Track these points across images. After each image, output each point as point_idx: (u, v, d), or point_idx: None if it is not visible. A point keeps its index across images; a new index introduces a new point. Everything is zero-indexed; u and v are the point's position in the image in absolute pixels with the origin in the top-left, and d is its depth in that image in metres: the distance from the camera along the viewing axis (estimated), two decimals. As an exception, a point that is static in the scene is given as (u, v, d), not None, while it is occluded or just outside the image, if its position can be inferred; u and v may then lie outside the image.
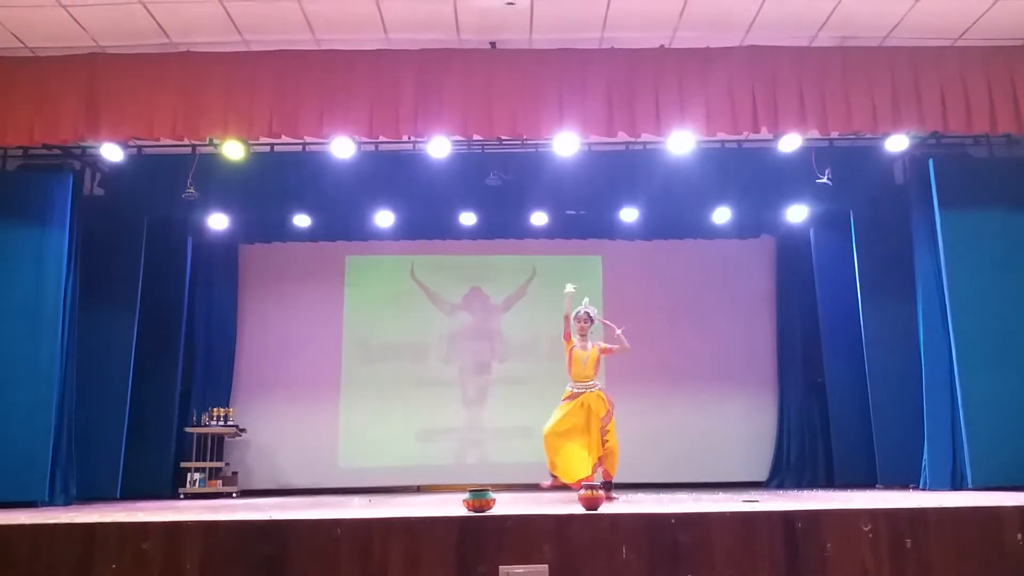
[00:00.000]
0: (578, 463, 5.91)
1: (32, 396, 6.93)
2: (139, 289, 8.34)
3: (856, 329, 8.41)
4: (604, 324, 6.41)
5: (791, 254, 9.83)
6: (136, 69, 6.44)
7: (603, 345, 6.31)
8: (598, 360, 6.23)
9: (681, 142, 6.98)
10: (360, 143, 7.62)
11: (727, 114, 6.42)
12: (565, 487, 5.97)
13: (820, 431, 9.30)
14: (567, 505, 4.41)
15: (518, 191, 8.37)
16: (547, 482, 6.15)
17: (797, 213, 8.82)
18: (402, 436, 9.67)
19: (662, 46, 6.68)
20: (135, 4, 6.10)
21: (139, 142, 7.68)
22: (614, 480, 6.20)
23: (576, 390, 6.13)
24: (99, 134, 6.50)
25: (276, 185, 8.34)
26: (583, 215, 9.29)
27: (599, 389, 6.17)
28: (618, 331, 6.30)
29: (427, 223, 9.47)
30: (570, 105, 6.41)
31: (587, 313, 6.28)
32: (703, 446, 9.59)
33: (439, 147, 7.23)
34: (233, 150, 7.24)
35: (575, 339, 6.25)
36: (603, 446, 6.04)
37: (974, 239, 7.24)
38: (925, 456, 7.28)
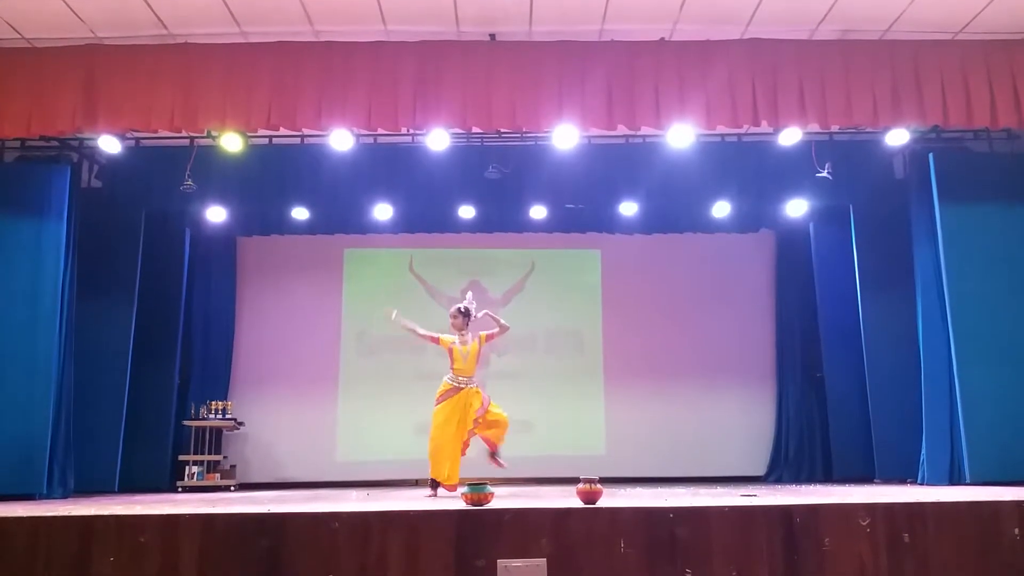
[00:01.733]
0: (453, 471, 6.03)
1: (30, 389, 6.93)
2: (137, 282, 8.32)
3: (855, 324, 8.41)
4: (488, 316, 6.42)
5: (790, 248, 9.82)
6: (134, 61, 6.41)
7: (483, 333, 6.35)
8: (479, 352, 6.29)
9: (681, 135, 6.96)
10: (359, 135, 7.59)
11: (727, 107, 6.40)
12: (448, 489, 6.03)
13: (818, 426, 9.31)
14: (565, 499, 4.41)
15: (517, 184, 8.36)
16: (429, 492, 6.10)
17: (797, 207, 8.81)
18: (400, 430, 9.64)
19: (662, 39, 6.66)
20: (132, -5, 6.08)
21: (137, 134, 7.66)
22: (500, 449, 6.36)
23: (455, 384, 6.19)
24: (97, 126, 6.47)
25: (274, 178, 8.32)
26: (582, 209, 9.26)
27: (477, 386, 6.24)
28: (482, 313, 6.39)
29: (426, 216, 9.46)
30: (569, 98, 6.39)
31: (457, 308, 6.32)
32: (701, 440, 9.60)
33: (438, 140, 7.22)
34: (231, 142, 7.22)
35: (453, 336, 6.29)
36: (476, 429, 6.15)
37: (974, 234, 7.23)
38: (923, 451, 7.28)
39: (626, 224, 9.47)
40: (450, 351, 6.25)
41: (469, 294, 6.56)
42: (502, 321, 6.39)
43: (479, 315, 6.37)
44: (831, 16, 6.49)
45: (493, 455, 6.30)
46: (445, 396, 6.19)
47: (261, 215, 9.48)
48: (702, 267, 10.05)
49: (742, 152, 8.26)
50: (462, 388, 6.18)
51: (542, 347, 9.84)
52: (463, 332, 6.28)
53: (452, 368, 6.26)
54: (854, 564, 3.59)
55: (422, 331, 6.36)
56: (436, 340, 6.32)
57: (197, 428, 8.91)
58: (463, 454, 6.20)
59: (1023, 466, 6.64)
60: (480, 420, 6.15)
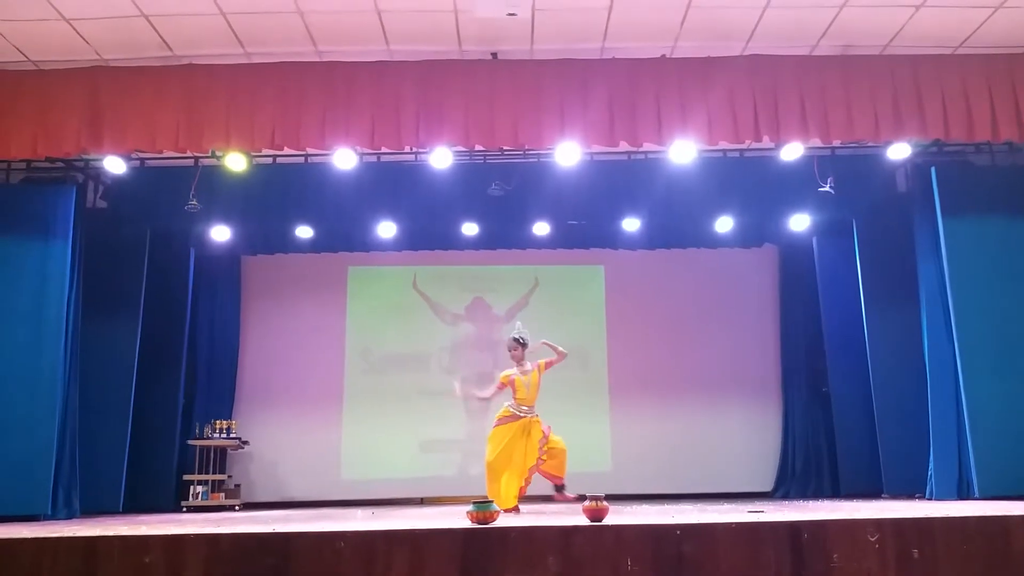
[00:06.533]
0: (508, 494, 6.05)
1: (34, 409, 6.92)
2: (142, 301, 8.34)
3: (860, 338, 8.38)
4: (546, 345, 6.47)
5: (794, 263, 9.82)
6: (139, 82, 6.46)
7: (542, 361, 6.43)
8: (539, 381, 6.35)
9: (683, 151, 6.98)
10: (362, 154, 7.63)
11: (729, 123, 6.42)
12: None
13: (825, 441, 9.27)
14: (571, 517, 4.39)
15: (520, 201, 8.37)
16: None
17: (800, 222, 8.81)
18: (405, 448, 9.64)
19: (663, 56, 6.70)
20: (138, 18, 6.14)
21: (142, 154, 7.68)
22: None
23: (516, 412, 6.23)
24: (102, 147, 6.51)
25: (278, 197, 8.35)
26: (585, 225, 9.28)
27: (537, 416, 6.27)
28: (541, 341, 6.46)
29: (429, 233, 9.47)
30: (572, 115, 6.42)
31: (514, 339, 6.38)
32: (708, 457, 9.55)
33: (441, 157, 7.25)
34: (235, 162, 7.25)
35: (513, 368, 6.35)
36: (538, 467, 6.17)
37: (977, 247, 7.22)
38: (931, 465, 7.24)
39: (629, 240, 9.48)
40: (513, 383, 6.29)
41: (519, 324, 6.59)
42: (559, 348, 6.40)
43: (535, 344, 6.40)
44: (831, 32, 6.52)
45: (559, 489, 6.22)
46: (504, 420, 6.23)
47: (265, 234, 9.51)
48: (706, 282, 10.05)
49: (744, 167, 8.27)
50: (522, 417, 6.20)
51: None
52: (522, 362, 6.34)
53: (515, 397, 6.29)
54: (863, 580, 3.56)
55: (490, 392, 6.47)
56: (502, 386, 6.35)
57: (201, 447, 8.89)
58: (526, 486, 6.19)
59: (1032, 480, 6.60)
60: (544, 452, 6.15)
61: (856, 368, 8.52)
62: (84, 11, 6.05)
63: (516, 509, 6.09)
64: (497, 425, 6.24)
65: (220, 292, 9.86)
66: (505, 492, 6.03)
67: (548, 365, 6.42)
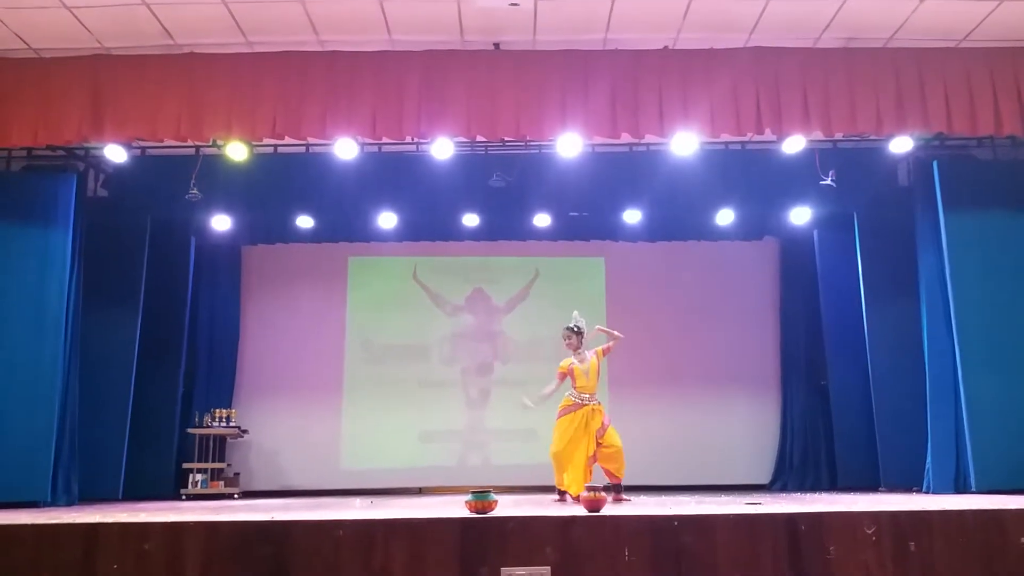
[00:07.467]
0: (574, 481, 6.03)
1: (35, 396, 6.94)
2: (142, 290, 8.35)
3: (860, 331, 8.39)
4: (600, 331, 6.48)
5: (795, 256, 9.81)
6: (140, 70, 6.45)
7: (599, 348, 6.42)
8: (599, 367, 6.33)
9: (684, 143, 6.96)
10: (363, 144, 7.62)
11: (731, 115, 6.41)
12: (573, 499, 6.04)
13: (823, 434, 9.28)
14: (569, 507, 4.41)
15: (521, 192, 8.37)
16: (556, 497, 6.20)
17: (801, 215, 8.80)
18: (404, 437, 9.66)
19: (666, 47, 6.68)
20: (139, 6, 6.12)
21: (143, 143, 7.67)
22: (623, 482, 6.23)
23: (578, 400, 6.19)
24: (103, 135, 6.51)
25: (279, 186, 8.34)
26: (586, 216, 9.27)
27: (599, 404, 6.24)
28: (596, 328, 6.46)
29: (430, 224, 9.47)
30: (574, 106, 6.41)
31: (569, 328, 6.35)
32: (706, 448, 9.57)
33: (442, 148, 7.24)
34: (236, 151, 7.23)
35: (570, 357, 6.33)
36: (598, 453, 6.12)
37: (978, 241, 7.22)
38: (928, 459, 7.26)
39: (630, 232, 9.47)
40: (571, 371, 6.26)
41: (576, 313, 6.53)
42: (615, 332, 6.42)
43: (590, 332, 6.40)
44: (835, 24, 6.50)
45: (617, 490, 6.11)
46: (566, 410, 6.21)
47: (266, 224, 9.51)
48: (706, 275, 10.04)
49: (746, 160, 8.26)
50: (584, 404, 6.17)
51: (546, 355, 9.80)
52: (579, 351, 6.32)
53: (575, 386, 6.25)
54: (860, 573, 3.58)
55: (552, 387, 6.38)
56: (562, 376, 6.31)
57: (201, 436, 8.91)
58: (590, 471, 6.14)
59: (1029, 474, 6.61)
60: (601, 441, 6.10)
61: (855, 361, 8.53)
62: (85, -2, 6.03)
63: (577, 497, 6.10)
64: (561, 416, 6.21)
65: (220, 281, 9.86)
66: (571, 480, 6.03)
67: (606, 351, 6.42)
